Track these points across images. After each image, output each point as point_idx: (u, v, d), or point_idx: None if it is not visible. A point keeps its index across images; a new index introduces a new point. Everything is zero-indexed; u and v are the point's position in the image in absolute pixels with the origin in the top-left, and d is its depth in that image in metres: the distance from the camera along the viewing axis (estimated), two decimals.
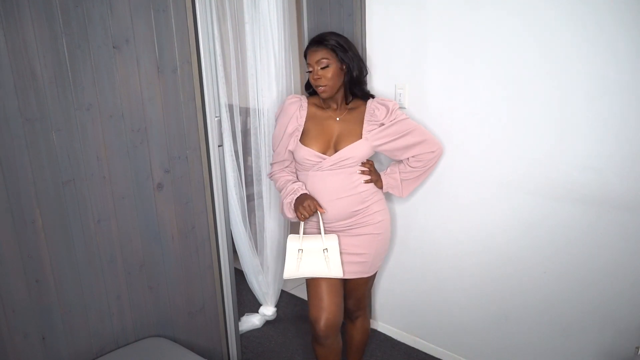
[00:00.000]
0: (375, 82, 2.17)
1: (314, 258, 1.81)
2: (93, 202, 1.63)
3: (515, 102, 1.79)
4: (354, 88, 1.86)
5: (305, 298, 2.85)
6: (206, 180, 1.92)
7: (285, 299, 2.86)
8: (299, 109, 1.88)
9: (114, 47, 1.60)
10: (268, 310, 2.64)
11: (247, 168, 2.59)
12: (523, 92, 1.76)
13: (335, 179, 1.82)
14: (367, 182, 1.86)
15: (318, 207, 1.77)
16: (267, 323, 2.65)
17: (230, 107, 2.40)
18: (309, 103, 1.90)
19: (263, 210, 2.53)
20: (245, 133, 2.60)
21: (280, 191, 1.93)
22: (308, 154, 1.82)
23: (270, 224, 2.54)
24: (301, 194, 1.81)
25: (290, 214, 1.86)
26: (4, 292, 1.48)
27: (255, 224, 2.57)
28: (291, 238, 1.84)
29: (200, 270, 1.98)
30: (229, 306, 2.10)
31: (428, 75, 2.01)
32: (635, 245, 1.64)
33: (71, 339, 1.65)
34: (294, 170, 1.95)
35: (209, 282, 2.01)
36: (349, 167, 1.83)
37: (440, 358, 2.31)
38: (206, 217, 1.95)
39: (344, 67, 1.81)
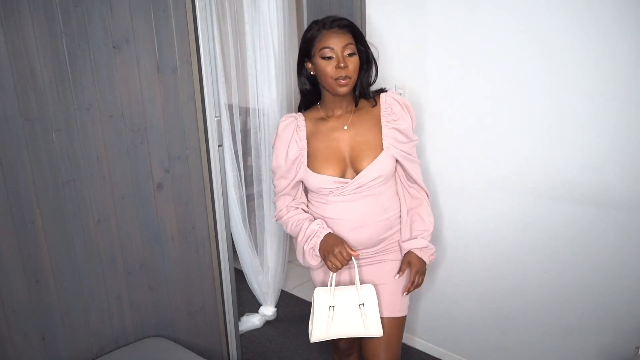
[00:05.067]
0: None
1: (348, 315, 1.46)
2: (93, 202, 1.63)
3: (515, 101, 1.79)
4: (366, 88, 1.54)
5: (306, 298, 2.86)
6: (206, 180, 1.92)
7: (285, 299, 2.86)
8: (295, 130, 1.54)
9: (114, 47, 1.60)
10: (268, 310, 2.64)
11: (247, 168, 2.59)
12: (522, 91, 1.76)
13: (361, 203, 1.50)
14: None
15: (351, 251, 1.42)
16: (267, 323, 2.65)
17: (230, 107, 2.40)
18: (306, 119, 1.56)
19: (263, 210, 2.53)
20: (245, 133, 2.60)
21: (295, 235, 1.57)
22: (324, 181, 1.49)
23: (270, 224, 2.54)
24: (325, 236, 1.48)
25: (315, 261, 1.52)
26: (4, 292, 1.48)
27: (255, 224, 2.57)
28: (320, 292, 1.48)
29: (200, 270, 1.97)
30: (228, 306, 2.10)
31: (428, 75, 2.00)
32: (635, 245, 1.64)
33: (71, 339, 1.65)
34: (303, 201, 1.62)
35: (209, 282, 2.01)
36: (377, 187, 1.50)
37: (440, 358, 2.31)
38: (206, 217, 1.95)
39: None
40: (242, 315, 2.63)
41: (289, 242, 2.66)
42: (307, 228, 1.51)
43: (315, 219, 1.54)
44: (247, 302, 2.81)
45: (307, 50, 1.48)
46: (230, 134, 2.32)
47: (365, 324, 1.46)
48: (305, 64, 1.51)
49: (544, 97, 1.72)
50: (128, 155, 1.69)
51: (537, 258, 1.88)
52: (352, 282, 1.55)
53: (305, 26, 2.34)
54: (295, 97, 2.56)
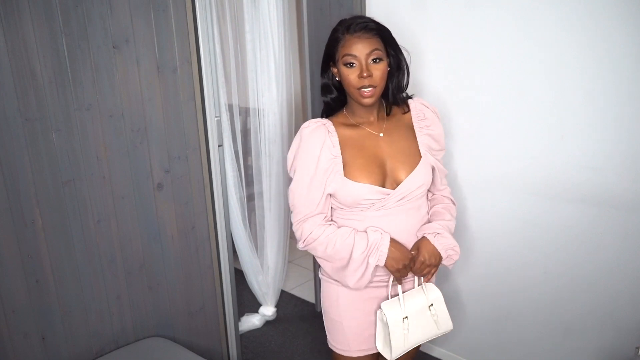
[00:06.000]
0: None
1: (421, 321, 1.40)
2: (93, 202, 1.63)
3: (515, 101, 1.79)
4: (397, 94, 1.42)
5: (306, 298, 2.86)
6: (206, 180, 1.92)
7: (285, 299, 2.86)
8: (326, 134, 1.35)
9: (114, 47, 1.60)
10: (268, 310, 2.64)
11: (247, 168, 2.59)
12: (522, 91, 1.76)
13: (403, 218, 1.39)
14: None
15: (411, 253, 1.38)
16: (267, 323, 2.65)
17: (230, 107, 2.40)
18: (334, 124, 1.39)
19: (263, 210, 2.53)
20: (245, 133, 2.61)
21: (342, 255, 1.35)
22: (367, 191, 1.33)
23: (270, 224, 2.54)
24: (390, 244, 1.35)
25: (372, 276, 1.37)
26: (4, 292, 1.48)
27: (255, 224, 2.57)
28: (389, 306, 1.37)
29: (200, 270, 1.97)
30: (229, 306, 2.11)
31: (428, 75, 2.00)
32: (635, 245, 1.64)
33: (71, 339, 1.65)
34: (329, 219, 1.42)
35: (209, 282, 2.01)
36: (418, 199, 1.41)
37: (440, 358, 2.31)
38: (206, 217, 1.95)
39: (388, 64, 1.35)
40: (242, 315, 2.63)
41: (289, 242, 2.66)
42: (364, 239, 1.33)
43: (366, 227, 1.36)
44: (247, 302, 2.81)
45: (331, 54, 1.35)
46: (230, 134, 2.32)
47: (438, 323, 1.43)
48: (330, 68, 1.39)
49: (544, 97, 1.72)
50: (128, 155, 1.69)
51: (537, 258, 1.88)
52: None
53: (306, 26, 2.34)
54: (296, 97, 2.57)
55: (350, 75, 1.30)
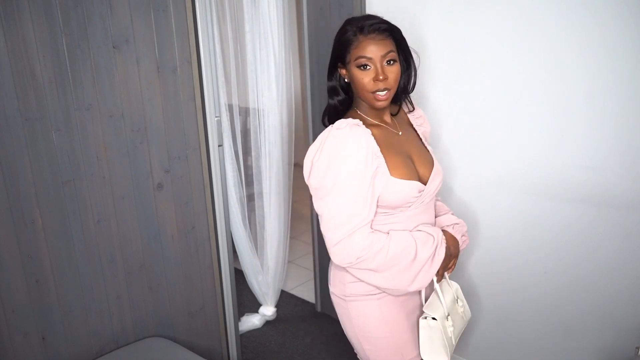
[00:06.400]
0: None
1: (455, 315, 1.41)
2: (93, 202, 1.63)
3: (515, 101, 1.79)
4: (403, 95, 1.42)
5: (306, 298, 2.86)
6: (206, 180, 1.92)
7: (285, 299, 2.86)
8: (366, 134, 1.25)
9: (113, 47, 1.60)
10: (268, 310, 2.64)
11: (247, 168, 2.59)
12: (522, 91, 1.77)
13: (431, 212, 1.41)
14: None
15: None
16: (267, 323, 2.65)
17: (230, 107, 2.40)
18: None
19: (263, 210, 2.53)
20: (245, 133, 2.61)
21: (401, 260, 1.26)
22: (414, 188, 1.28)
23: (270, 224, 2.54)
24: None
25: (433, 275, 1.32)
26: (4, 292, 1.48)
27: (255, 224, 2.57)
28: (432, 309, 1.33)
29: (200, 270, 1.98)
30: (229, 306, 2.11)
31: (428, 75, 2.00)
32: (635, 245, 1.64)
33: (71, 339, 1.65)
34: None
35: (209, 282, 2.01)
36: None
37: None
38: (206, 217, 1.95)
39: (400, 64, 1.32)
40: (242, 315, 2.63)
41: (289, 242, 2.66)
42: (428, 237, 1.30)
43: (414, 227, 1.33)
44: (247, 302, 2.81)
45: (341, 55, 1.29)
46: (230, 134, 2.32)
47: (464, 314, 1.45)
48: (339, 69, 1.33)
49: (544, 97, 1.72)
50: (128, 155, 1.69)
51: (537, 257, 1.88)
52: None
53: (306, 26, 2.34)
54: (296, 97, 2.56)
55: (365, 78, 1.24)
